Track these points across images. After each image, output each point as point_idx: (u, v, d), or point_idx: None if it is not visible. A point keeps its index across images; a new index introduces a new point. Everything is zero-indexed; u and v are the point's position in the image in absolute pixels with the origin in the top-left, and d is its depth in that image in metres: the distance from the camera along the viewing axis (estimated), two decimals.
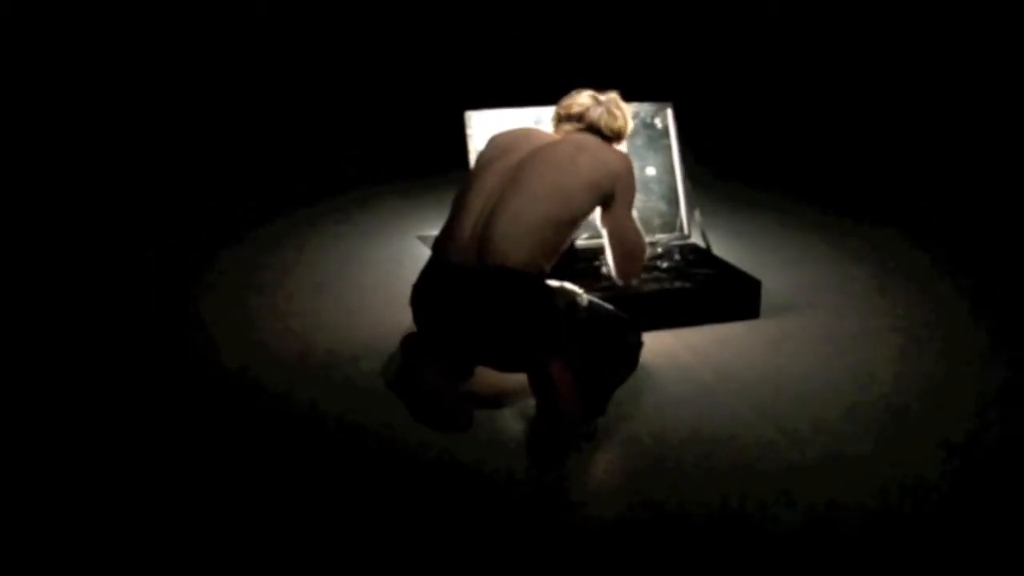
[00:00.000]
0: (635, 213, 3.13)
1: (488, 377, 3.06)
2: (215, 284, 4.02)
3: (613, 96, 3.16)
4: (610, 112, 3.10)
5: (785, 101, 7.30)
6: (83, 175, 5.63)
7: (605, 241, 3.11)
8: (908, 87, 7.18)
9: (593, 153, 2.97)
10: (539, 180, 2.86)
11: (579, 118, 3.08)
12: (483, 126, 3.89)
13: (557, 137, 3.07)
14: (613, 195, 2.97)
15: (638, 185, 3.72)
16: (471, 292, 2.79)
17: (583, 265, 3.67)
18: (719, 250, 4.02)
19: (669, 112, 4.09)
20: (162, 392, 3.10)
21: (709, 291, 3.66)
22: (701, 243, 3.99)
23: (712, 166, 5.45)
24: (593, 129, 3.08)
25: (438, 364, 2.90)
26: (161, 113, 6.86)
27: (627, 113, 3.17)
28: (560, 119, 3.12)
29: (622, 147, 3.20)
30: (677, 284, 3.66)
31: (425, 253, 4.03)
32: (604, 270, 3.46)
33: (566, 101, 3.13)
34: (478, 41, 7.75)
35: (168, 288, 4.00)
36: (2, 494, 2.55)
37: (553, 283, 2.90)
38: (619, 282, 3.15)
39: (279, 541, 2.37)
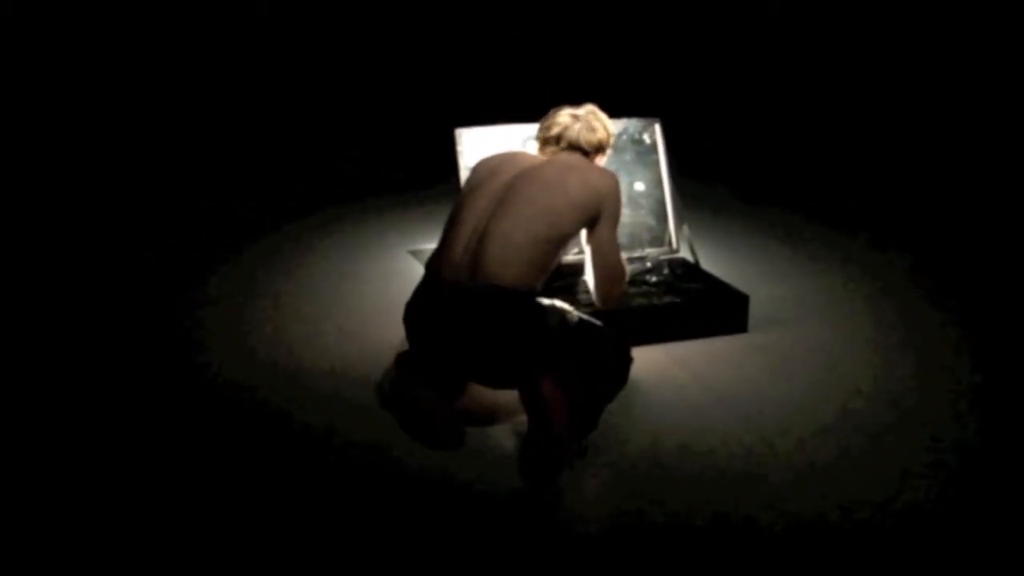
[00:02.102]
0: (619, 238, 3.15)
1: (480, 394, 3.09)
2: (205, 298, 4.03)
3: (591, 108, 3.20)
4: (589, 127, 3.14)
5: (772, 116, 7.35)
6: (84, 175, 5.65)
7: (588, 261, 3.15)
8: (893, 100, 7.23)
9: (581, 173, 3.01)
10: (529, 200, 2.90)
11: (558, 139, 3.13)
12: (473, 143, 3.91)
13: (544, 158, 3.11)
14: (599, 215, 3.01)
15: (627, 200, 3.77)
16: (464, 310, 2.82)
17: (568, 280, 3.70)
18: (707, 264, 4.06)
19: (657, 127, 4.13)
20: (153, 402, 3.13)
21: (698, 306, 3.69)
22: (690, 257, 4.03)
23: (700, 181, 5.49)
24: (575, 147, 3.12)
25: (431, 381, 2.93)
26: (161, 115, 6.88)
27: (607, 124, 3.20)
28: (543, 142, 3.17)
29: (606, 159, 3.24)
30: (666, 299, 3.70)
31: (417, 268, 4.06)
32: (582, 296, 3.51)
33: (545, 123, 3.17)
34: (467, 57, 7.79)
35: (165, 292, 4.05)
36: None
37: (544, 301, 2.93)
38: (600, 306, 3.17)
39: (270, 558, 2.39)
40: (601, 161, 3.21)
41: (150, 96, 7.11)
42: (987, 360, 3.51)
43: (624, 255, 3.21)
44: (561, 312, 2.91)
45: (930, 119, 6.86)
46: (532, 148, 3.27)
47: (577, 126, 3.12)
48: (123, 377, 3.30)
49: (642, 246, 3.99)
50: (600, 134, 3.15)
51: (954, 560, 2.44)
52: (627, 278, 3.21)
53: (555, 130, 3.14)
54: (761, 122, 7.22)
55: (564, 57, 7.81)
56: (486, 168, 3.10)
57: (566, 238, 2.96)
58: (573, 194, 2.94)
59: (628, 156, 4.06)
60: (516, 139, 3.91)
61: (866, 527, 2.54)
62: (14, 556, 2.37)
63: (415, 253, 4.45)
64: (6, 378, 3.24)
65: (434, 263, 2.94)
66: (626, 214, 3.86)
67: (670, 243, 4.06)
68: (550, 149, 3.15)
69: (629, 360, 2.95)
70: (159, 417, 3.04)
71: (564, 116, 3.15)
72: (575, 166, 3.04)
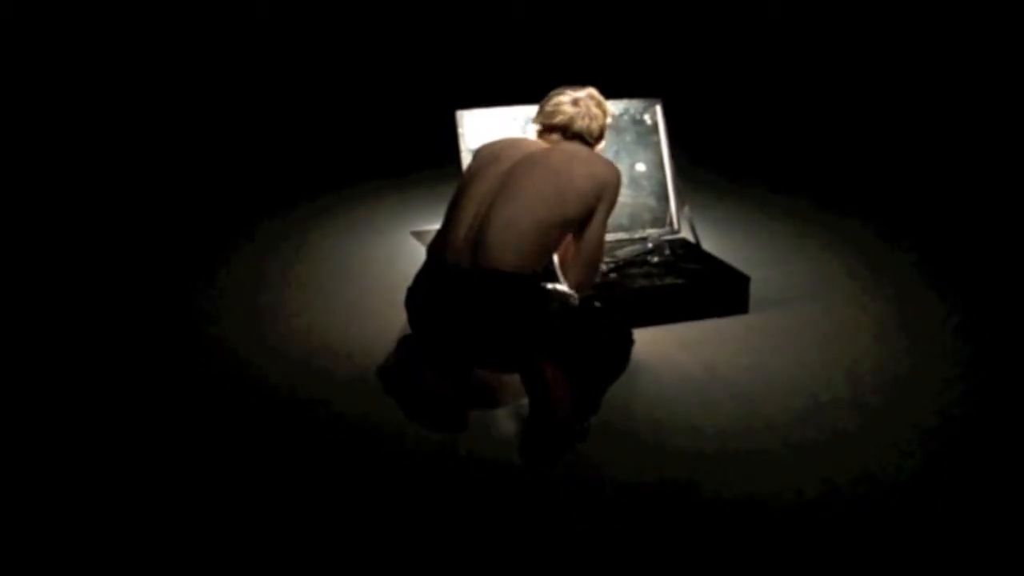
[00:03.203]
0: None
1: (483, 377, 3.10)
2: (213, 282, 4.05)
3: (590, 91, 3.19)
4: (591, 116, 3.13)
5: (774, 96, 7.33)
6: (84, 175, 5.65)
7: (571, 244, 3.06)
8: (897, 83, 7.22)
9: (586, 163, 3.01)
10: (532, 185, 2.90)
11: (564, 130, 3.12)
12: (474, 125, 3.92)
13: (547, 145, 3.11)
14: (599, 203, 3.01)
15: (628, 181, 3.79)
16: (466, 295, 2.83)
17: None
18: (709, 245, 4.06)
19: (658, 108, 4.13)
20: (162, 387, 3.15)
21: (699, 287, 3.70)
22: (691, 238, 4.04)
23: (701, 161, 5.48)
24: (578, 137, 3.12)
25: (434, 364, 2.95)
26: (164, 101, 6.88)
27: (606, 108, 3.20)
28: (545, 128, 3.15)
29: (604, 143, 3.24)
30: (667, 280, 3.71)
31: (419, 249, 4.07)
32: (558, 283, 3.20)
33: (547, 109, 3.15)
34: (469, 37, 7.77)
35: (173, 276, 4.07)
36: (5, 494, 2.59)
37: (546, 285, 2.94)
38: (571, 290, 2.99)
39: (278, 537, 2.42)
40: (601, 145, 3.22)
41: (154, 82, 7.10)
42: (983, 341, 3.52)
43: (613, 237, 3.21)
44: (562, 296, 2.92)
45: (934, 104, 6.84)
46: (532, 131, 3.27)
47: (580, 117, 3.12)
48: (133, 360, 3.32)
49: (643, 227, 4.00)
50: (600, 120, 3.16)
51: (946, 536, 2.46)
52: (601, 267, 3.22)
53: (558, 119, 3.12)
54: (763, 103, 7.20)
55: (566, 38, 7.80)
56: (489, 152, 3.10)
57: (568, 224, 2.96)
58: (578, 182, 2.94)
59: (629, 137, 4.06)
60: (517, 121, 3.91)
61: (862, 503, 2.57)
62: (20, 548, 2.39)
63: (417, 234, 4.46)
64: (13, 378, 3.25)
65: (436, 246, 2.95)
66: (627, 195, 3.88)
67: (671, 224, 4.07)
68: (553, 137, 3.14)
69: (630, 342, 2.97)
70: (168, 398, 3.07)
71: (566, 105, 3.12)
72: (579, 156, 3.04)
